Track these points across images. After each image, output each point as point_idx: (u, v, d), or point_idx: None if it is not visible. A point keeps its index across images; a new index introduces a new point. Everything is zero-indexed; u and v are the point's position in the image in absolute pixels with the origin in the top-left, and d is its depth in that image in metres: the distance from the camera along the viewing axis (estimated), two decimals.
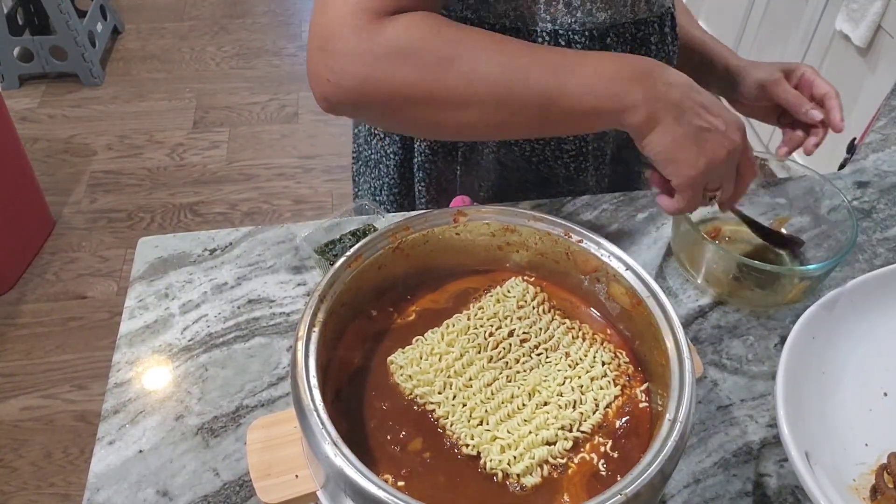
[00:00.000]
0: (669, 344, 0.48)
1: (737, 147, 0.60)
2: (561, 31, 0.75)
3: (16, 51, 2.58)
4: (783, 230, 0.78)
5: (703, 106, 0.59)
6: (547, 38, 0.76)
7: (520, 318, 0.55)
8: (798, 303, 0.70)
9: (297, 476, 0.46)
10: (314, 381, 0.44)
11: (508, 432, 0.48)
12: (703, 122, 0.58)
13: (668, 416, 0.44)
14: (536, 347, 0.53)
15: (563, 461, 0.47)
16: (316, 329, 0.47)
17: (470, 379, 0.51)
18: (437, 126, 0.62)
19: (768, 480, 0.59)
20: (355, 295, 0.53)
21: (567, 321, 0.56)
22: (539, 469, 0.47)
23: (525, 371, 0.52)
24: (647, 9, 0.79)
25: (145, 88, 2.68)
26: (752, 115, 0.88)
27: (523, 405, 0.50)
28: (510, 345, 0.53)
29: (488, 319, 0.54)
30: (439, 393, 0.50)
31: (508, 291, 0.57)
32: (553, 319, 0.56)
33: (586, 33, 0.76)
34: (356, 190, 1.02)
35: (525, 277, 0.59)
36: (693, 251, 0.72)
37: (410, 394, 0.50)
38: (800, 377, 0.58)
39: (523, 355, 0.53)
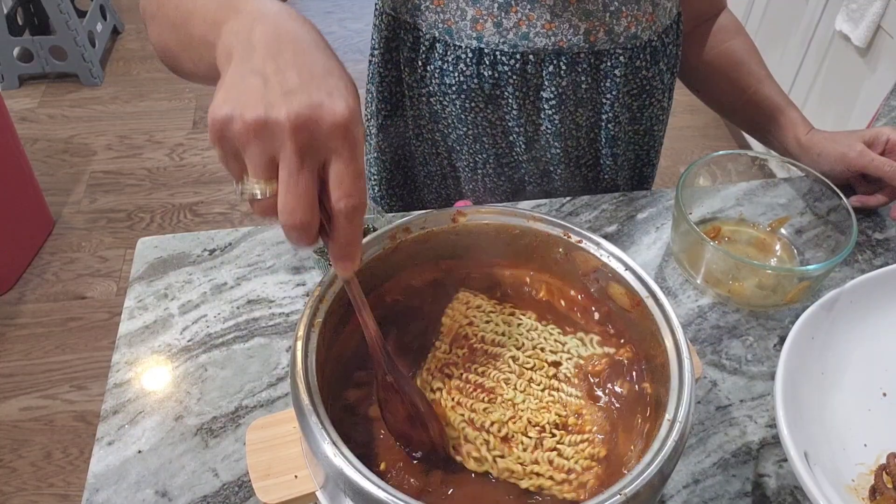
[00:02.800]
0: (669, 344, 0.48)
1: (295, 121, 0.38)
2: (486, 51, 0.74)
3: (16, 51, 2.58)
4: (782, 230, 0.78)
5: (292, 57, 0.41)
6: (471, 56, 0.75)
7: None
8: (798, 303, 0.70)
9: (296, 476, 0.46)
10: (314, 382, 0.44)
11: (519, 460, 0.47)
12: (269, 68, 0.40)
13: (667, 416, 0.44)
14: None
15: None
16: (315, 329, 0.47)
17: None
18: (155, 48, 0.60)
19: (767, 481, 0.59)
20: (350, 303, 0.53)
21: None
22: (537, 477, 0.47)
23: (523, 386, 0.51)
24: (608, 39, 0.77)
25: (145, 88, 2.68)
26: (823, 174, 0.79)
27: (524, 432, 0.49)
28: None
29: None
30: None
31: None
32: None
33: (518, 56, 0.75)
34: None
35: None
36: (692, 251, 0.72)
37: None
38: (799, 377, 0.58)
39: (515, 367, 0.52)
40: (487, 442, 0.48)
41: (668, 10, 0.81)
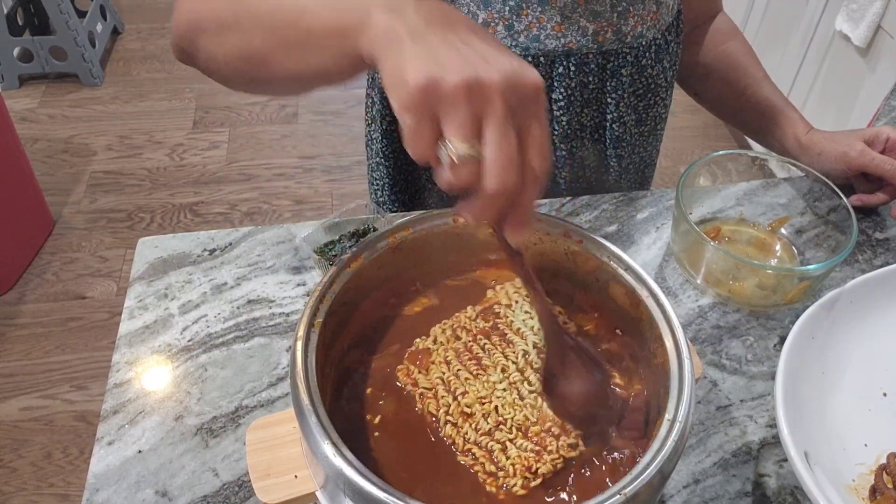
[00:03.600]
0: (669, 344, 0.48)
1: (505, 82, 0.39)
2: None
3: (16, 51, 2.58)
4: (782, 230, 0.78)
5: (467, 31, 0.42)
6: None
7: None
8: (798, 303, 0.70)
9: (296, 476, 0.46)
10: (313, 382, 0.44)
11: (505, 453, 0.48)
12: (454, 40, 0.41)
13: (667, 416, 0.44)
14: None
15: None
16: (315, 329, 0.47)
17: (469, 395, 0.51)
18: (226, 60, 0.59)
19: (768, 481, 0.59)
20: (355, 295, 0.53)
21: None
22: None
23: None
24: (616, 39, 0.77)
25: (145, 88, 2.68)
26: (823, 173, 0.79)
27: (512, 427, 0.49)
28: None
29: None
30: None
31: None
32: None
33: (529, 58, 0.75)
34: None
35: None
36: (693, 251, 0.72)
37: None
38: (799, 377, 0.58)
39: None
40: (448, 406, 0.49)
41: (671, 8, 0.81)
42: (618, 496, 0.39)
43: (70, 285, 1.95)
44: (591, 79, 0.79)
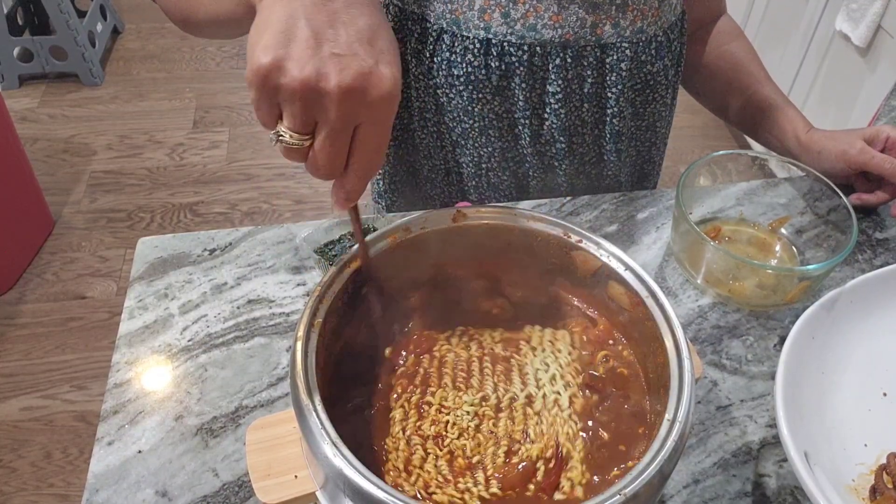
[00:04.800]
0: (669, 344, 0.48)
1: (345, 91, 0.39)
2: (494, 41, 0.75)
3: (16, 51, 2.58)
4: (782, 230, 0.78)
5: (344, 7, 0.41)
6: (478, 46, 0.75)
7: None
8: (798, 303, 0.70)
9: (296, 476, 0.46)
10: (313, 382, 0.44)
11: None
12: (320, 18, 0.40)
13: (667, 416, 0.44)
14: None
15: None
16: (315, 329, 0.47)
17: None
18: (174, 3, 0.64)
19: (768, 481, 0.59)
20: (354, 295, 0.53)
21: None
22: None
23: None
24: (614, 33, 0.77)
25: (145, 88, 2.68)
26: (823, 172, 0.79)
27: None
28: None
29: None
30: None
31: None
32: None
33: (525, 47, 0.75)
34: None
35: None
36: (693, 251, 0.72)
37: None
38: (799, 377, 0.58)
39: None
40: (412, 396, 0.50)
41: (674, 7, 0.81)
42: (618, 496, 0.39)
43: (70, 285, 1.95)
44: (589, 72, 0.79)
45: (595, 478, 0.47)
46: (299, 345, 0.46)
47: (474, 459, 0.48)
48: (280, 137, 0.42)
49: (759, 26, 2.26)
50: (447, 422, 0.49)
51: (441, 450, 0.48)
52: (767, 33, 2.22)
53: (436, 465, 0.47)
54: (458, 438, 0.48)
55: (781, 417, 0.53)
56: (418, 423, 0.49)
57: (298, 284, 0.72)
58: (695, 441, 0.61)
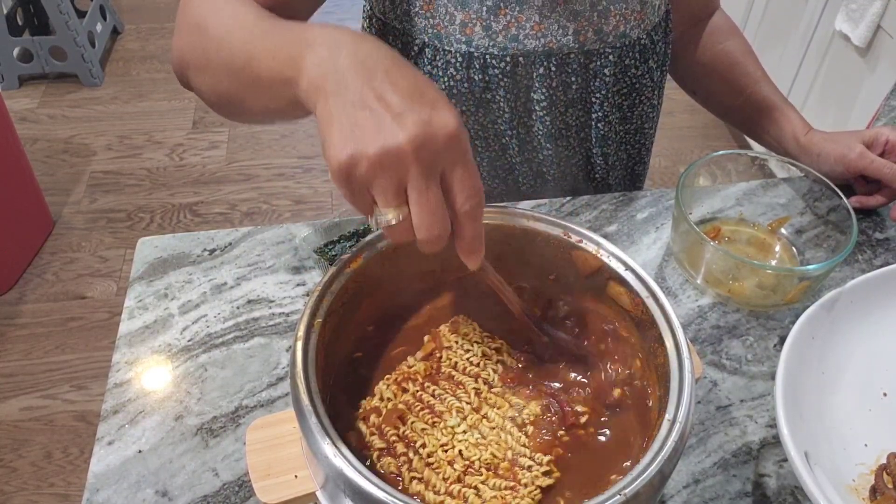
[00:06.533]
0: (669, 344, 0.48)
1: (416, 143, 0.40)
2: (476, 54, 0.74)
3: (16, 51, 2.58)
4: (782, 230, 0.78)
5: (384, 78, 0.43)
6: (461, 60, 0.75)
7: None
8: (798, 303, 0.70)
9: (296, 476, 0.46)
10: (313, 382, 0.44)
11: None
12: (369, 97, 0.42)
13: (667, 416, 0.44)
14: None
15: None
16: (315, 329, 0.47)
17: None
18: (207, 94, 0.63)
19: (768, 481, 0.59)
20: (354, 295, 0.53)
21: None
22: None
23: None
24: (597, 39, 0.77)
25: (145, 88, 2.68)
26: (822, 174, 0.78)
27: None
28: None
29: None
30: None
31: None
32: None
33: (507, 58, 0.75)
34: None
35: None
36: (693, 251, 0.72)
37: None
38: (799, 377, 0.58)
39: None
40: (410, 461, 0.47)
41: (657, 8, 0.80)
42: (618, 496, 0.39)
43: (70, 285, 1.95)
44: (573, 79, 0.78)
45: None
46: (299, 345, 0.46)
47: (515, 458, 0.47)
48: (379, 219, 0.43)
49: (758, 26, 2.26)
50: (459, 452, 0.48)
51: (483, 472, 0.47)
52: (767, 33, 2.22)
53: (494, 487, 0.46)
54: (482, 455, 0.47)
55: (781, 417, 0.53)
56: (444, 476, 0.47)
57: (298, 284, 0.72)
58: (695, 441, 0.61)
